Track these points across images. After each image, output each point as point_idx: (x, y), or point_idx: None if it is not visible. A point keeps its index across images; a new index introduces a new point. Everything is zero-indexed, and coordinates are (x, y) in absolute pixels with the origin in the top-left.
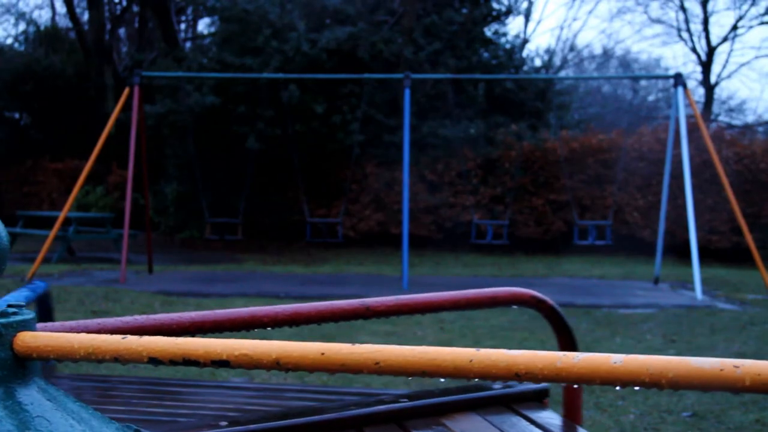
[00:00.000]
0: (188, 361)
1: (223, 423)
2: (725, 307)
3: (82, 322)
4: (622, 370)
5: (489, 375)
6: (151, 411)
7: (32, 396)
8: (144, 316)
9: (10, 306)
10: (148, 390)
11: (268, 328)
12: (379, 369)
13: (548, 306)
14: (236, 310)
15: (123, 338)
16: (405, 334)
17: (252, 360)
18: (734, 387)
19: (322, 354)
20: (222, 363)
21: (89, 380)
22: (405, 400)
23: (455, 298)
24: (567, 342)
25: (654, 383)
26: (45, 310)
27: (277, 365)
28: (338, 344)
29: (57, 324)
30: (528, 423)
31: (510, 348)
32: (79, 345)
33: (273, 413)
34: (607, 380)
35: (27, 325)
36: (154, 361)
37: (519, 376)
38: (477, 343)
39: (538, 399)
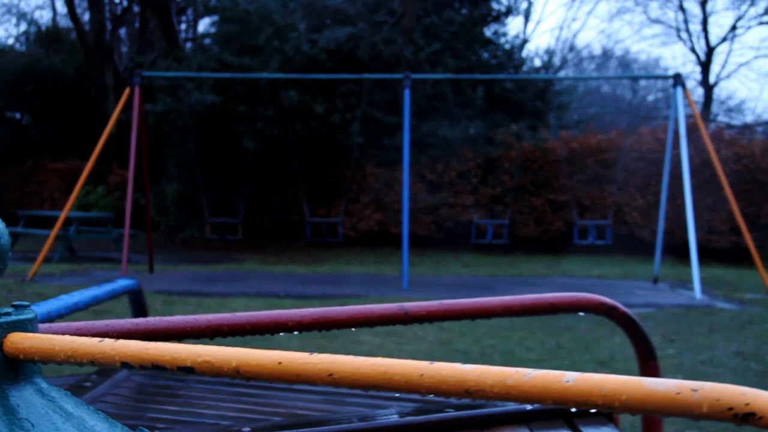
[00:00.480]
0: (157, 366)
1: (246, 429)
2: (724, 307)
3: (89, 324)
4: (575, 390)
5: (439, 391)
6: (168, 409)
7: (22, 397)
8: (156, 318)
9: (13, 305)
10: (154, 392)
11: (295, 332)
12: (333, 381)
13: (621, 313)
14: (257, 314)
15: (100, 341)
16: (405, 333)
17: (214, 367)
18: (691, 413)
19: (279, 363)
20: (187, 369)
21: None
22: (451, 409)
23: (507, 304)
24: (645, 351)
25: (607, 405)
26: (138, 308)
27: (237, 373)
28: (296, 354)
29: (62, 325)
30: None
31: (509, 348)
32: (60, 348)
33: (297, 415)
34: (559, 400)
35: (20, 326)
36: (127, 365)
37: (469, 393)
38: (476, 342)
39: (607, 415)
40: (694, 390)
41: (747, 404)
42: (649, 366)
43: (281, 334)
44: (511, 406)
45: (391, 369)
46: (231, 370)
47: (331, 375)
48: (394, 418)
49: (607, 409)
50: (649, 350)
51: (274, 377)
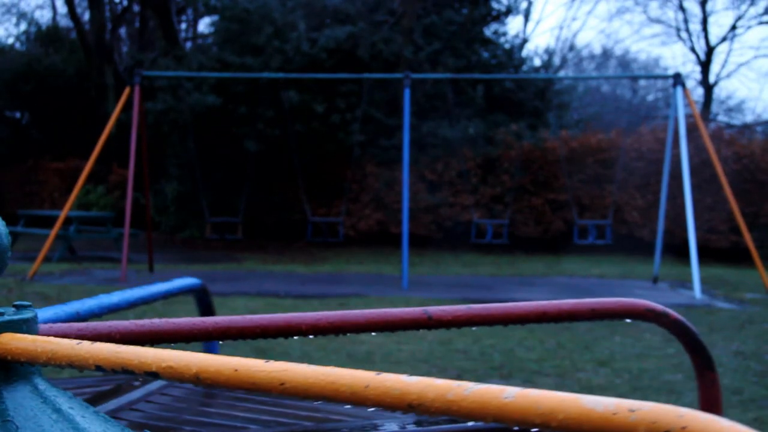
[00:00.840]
0: (126, 370)
1: (254, 427)
2: (724, 306)
3: (92, 325)
4: (512, 407)
5: (383, 404)
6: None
7: (14, 398)
8: (162, 320)
9: (14, 305)
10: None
11: (310, 336)
12: (284, 390)
13: (673, 320)
14: (269, 316)
15: (78, 344)
16: (405, 332)
17: (176, 372)
18: None
19: (235, 371)
20: (152, 374)
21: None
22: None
23: (542, 309)
24: (702, 362)
25: (544, 424)
26: (205, 308)
27: (198, 379)
28: (251, 361)
29: (65, 325)
30: None
31: (509, 347)
32: (42, 350)
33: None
34: (498, 417)
35: (14, 326)
36: (100, 368)
37: (412, 407)
38: (476, 342)
39: None
40: (632, 411)
41: (684, 427)
42: (707, 377)
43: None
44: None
45: (339, 380)
46: (192, 377)
47: (282, 384)
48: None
49: (545, 429)
50: (706, 360)
51: (231, 384)
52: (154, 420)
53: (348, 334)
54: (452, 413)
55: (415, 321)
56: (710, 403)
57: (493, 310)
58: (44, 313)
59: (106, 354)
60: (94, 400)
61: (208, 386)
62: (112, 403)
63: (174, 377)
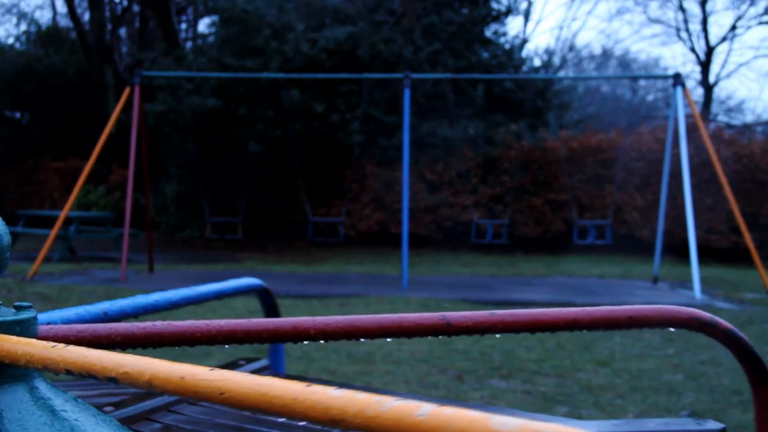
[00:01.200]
0: (91, 375)
1: None
2: (724, 307)
3: (92, 326)
4: (425, 425)
5: (309, 418)
6: None
7: (4, 401)
8: (165, 323)
9: (15, 306)
10: None
11: (321, 341)
12: (224, 400)
13: (722, 330)
14: (276, 320)
15: (53, 347)
16: None
17: (131, 378)
18: None
19: (182, 378)
20: (112, 379)
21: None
22: None
23: (574, 317)
24: (757, 375)
25: None
26: (270, 309)
27: (150, 386)
28: (198, 369)
29: (64, 327)
30: None
31: (509, 347)
32: (22, 352)
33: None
34: None
35: (5, 328)
36: (70, 372)
37: (335, 421)
38: (476, 342)
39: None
40: None
41: None
42: (762, 393)
43: None
44: None
45: (271, 391)
46: (145, 383)
47: (222, 394)
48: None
49: None
50: (762, 374)
51: (178, 392)
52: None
53: None
54: (371, 429)
55: (433, 327)
56: (766, 422)
57: (519, 317)
58: (66, 313)
59: (75, 358)
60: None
61: (160, 392)
62: (146, 404)
63: (130, 383)
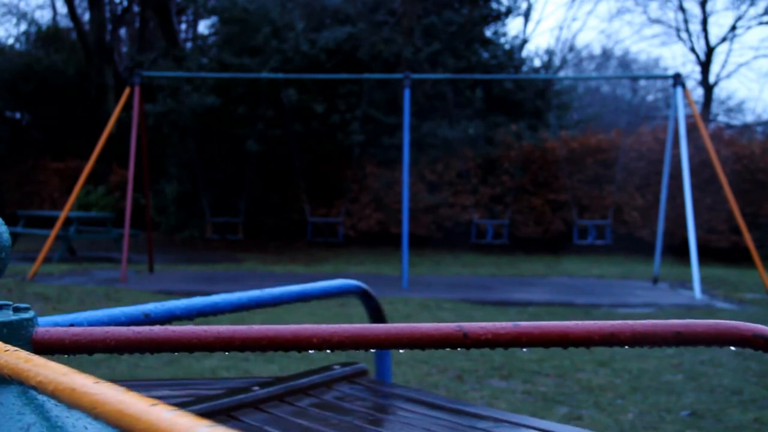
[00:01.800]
0: (21, 381)
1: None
2: (724, 307)
3: (88, 330)
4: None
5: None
6: None
7: (3, 400)
8: (162, 328)
9: (15, 308)
10: None
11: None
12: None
13: None
14: (276, 327)
15: (14, 350)
16: None
17: (44, 386)
18: None
19: (73, 390)
20: (32, 387)
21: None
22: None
23: (610, 330)
24: None
25: None
26: (375, 313)
27: (54, 395)
28: (87, 379)
29: (60, 330)
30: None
31: (509, 347)
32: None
33: None
34: None
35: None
36: (21, 383)
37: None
38: None
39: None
40: None
41: None
42: None
43: None
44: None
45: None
46: (50, 392)
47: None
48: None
49: None
50: None
51: (71, 403)
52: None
53: None
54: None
55: (447, 338)
56: None
57: (547, 329)
58: (99, 314)
59: (27, 368)
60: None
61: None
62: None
63: (46, 392)
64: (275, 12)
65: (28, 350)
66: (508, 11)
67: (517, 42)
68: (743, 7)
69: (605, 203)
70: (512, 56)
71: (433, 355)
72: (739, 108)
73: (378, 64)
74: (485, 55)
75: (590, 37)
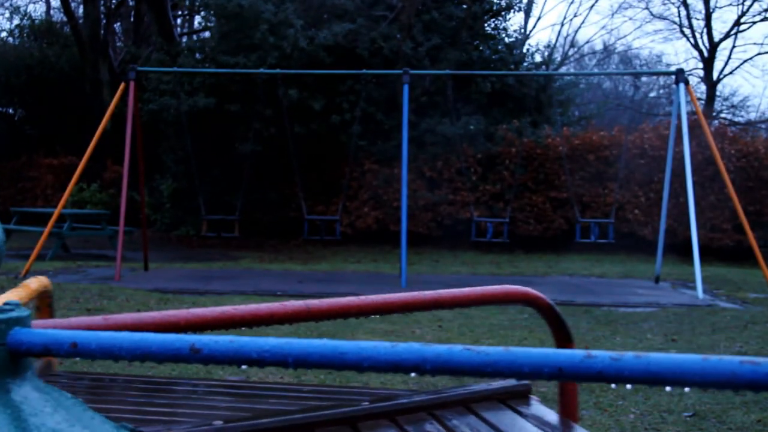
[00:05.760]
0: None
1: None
2: (727, 306)
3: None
4: None
5: None
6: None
7: (28, 393)
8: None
9: (6, 304)
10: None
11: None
12: None
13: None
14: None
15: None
16: (403, 332)
17: None
18: None
19: None
20: None
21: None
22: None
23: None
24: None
25: None
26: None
27: None
28: None
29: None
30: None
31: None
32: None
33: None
34: None
35: (22, 322)
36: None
37: None
38: (476, 342)
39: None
40: None
41: None
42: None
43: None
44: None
45: None
46: None
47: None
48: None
49: None
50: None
51: None
52: None
53: (344, 333)
54: None
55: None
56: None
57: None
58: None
59: None
60: None
61: None
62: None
63: None
64: (270, 9)
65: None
66: (509, 6)
67: (518, 38)
68: (747, 3)
69: (607, 201)
70: (513, 52)
71: None
72: (742, 105)
73: (377, 61)
74: (486, 51)
75: (592, 33)
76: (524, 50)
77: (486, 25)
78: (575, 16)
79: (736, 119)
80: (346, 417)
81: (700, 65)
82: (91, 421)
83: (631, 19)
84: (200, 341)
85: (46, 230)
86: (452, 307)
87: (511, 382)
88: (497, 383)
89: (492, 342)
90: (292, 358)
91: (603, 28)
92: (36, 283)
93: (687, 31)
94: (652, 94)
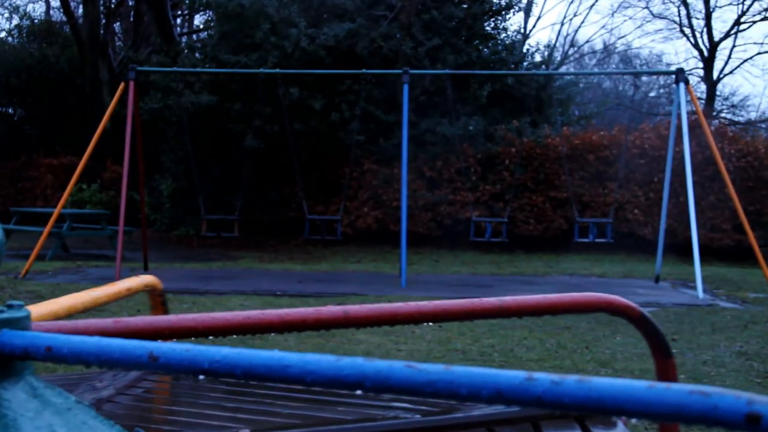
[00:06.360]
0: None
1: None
2: (727, 306)
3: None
4: None
5: None
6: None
7: (14, 396)
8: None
9: (7, 305)
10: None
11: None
12: None
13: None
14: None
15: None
16: (403, 332)
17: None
18: None
19: None
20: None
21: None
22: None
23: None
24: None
25: None
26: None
27: None
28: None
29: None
30: None
31: (509, 347)
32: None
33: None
34: None
35: (12, 324)
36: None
37: None
38: (475, 342)
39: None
40: None
41: None
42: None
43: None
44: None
45: None
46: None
47: None
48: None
49: None
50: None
51: None
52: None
53: (344, 333)
54: None
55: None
56: None
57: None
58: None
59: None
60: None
61: None
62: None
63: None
64: (272, 7)
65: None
66: (509, 6)
67: (518, 37)
68: (747, 2)
69: (607, 201)
70: (513, 52)
71: (432, 354)
72: (742, 104)
73: (377, 60)
74: (485, 50)
75: (592, 33)
76: (524, 50)
77: (486, 24)
78: (575, 15)
79: (736, 119)
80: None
81: (700, 65)
82: (83, 426)
83: (631, 18)
84: (159, 349)
85: (46, 230)
86: (521, 316)
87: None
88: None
89: (492, 342)
90: (240, 370)
91: (603, 27)
92: (137, 280)
93: (687, 30)
94: (652, 94)
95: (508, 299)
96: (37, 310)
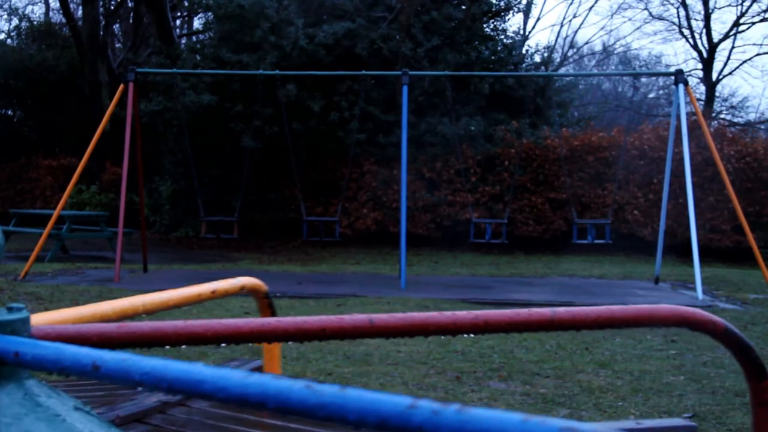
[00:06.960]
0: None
1: None
2: (726, 307)
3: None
4: None
5: None
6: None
7: (1, 400)
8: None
9: (9, 308)
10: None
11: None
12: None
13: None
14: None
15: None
16: None
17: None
18: None
19: None
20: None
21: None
22: None
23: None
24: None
25: None
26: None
27: None
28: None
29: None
30: None
31: (508, 348)
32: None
33: None
34: None
35: (2, 327)
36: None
37: None
38: (475, 343)
39: None
40: None
41: None
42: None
43: None
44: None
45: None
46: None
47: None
48: None
49: None
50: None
51: None
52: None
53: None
54: None
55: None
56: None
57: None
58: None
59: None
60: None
61: None
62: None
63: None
64: (271, 8)
65: None
66: (508, 7)
67: (518, 38)
68: (746, 3)
69: (606, 202)
70: (512, 53)
71: (432, 355)
72: (741, 105)
73: (377, 61)
74: (485, 51)
75: (591, 34)
76: (523, 51)
77: (485, 26)
78: (574, 16)
79: (735, 120)
80: None
81: (700, 66)
82: (78, 425)
83: (630, 19)
84: (102, 358)
85: (46, 232)
86: (578, 329)
87: (677, 421)
88: (665, 421)
89: (491, 343)
90: (166, 383)
91: (602, 28)
92: (239, 282)
93: (686, 31)
94: (651, 95)
95: (561, 311)
96: (132, 301)
